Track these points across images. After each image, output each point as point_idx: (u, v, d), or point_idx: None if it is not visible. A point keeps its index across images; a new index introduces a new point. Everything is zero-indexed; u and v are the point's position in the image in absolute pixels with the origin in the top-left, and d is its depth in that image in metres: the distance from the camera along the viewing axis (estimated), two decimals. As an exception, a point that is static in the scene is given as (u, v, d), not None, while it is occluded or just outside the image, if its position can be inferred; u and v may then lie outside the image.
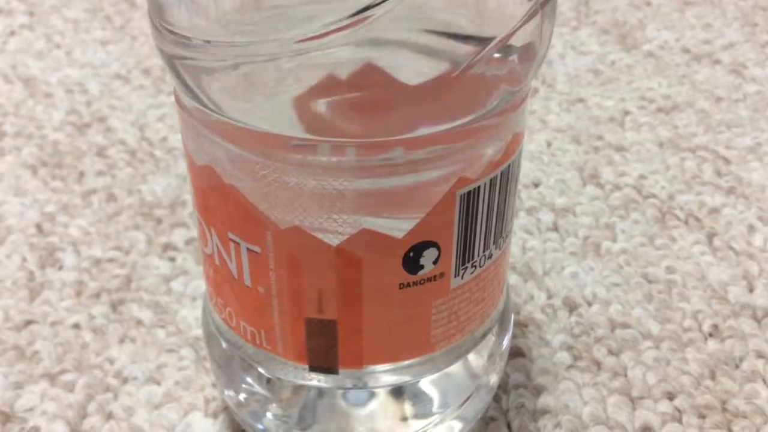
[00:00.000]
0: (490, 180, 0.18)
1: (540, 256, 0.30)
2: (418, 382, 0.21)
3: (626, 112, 0.39)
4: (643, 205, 0.33)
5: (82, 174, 0.34)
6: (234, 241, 0.18)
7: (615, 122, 0.38)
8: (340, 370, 0.20)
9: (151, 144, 0.36)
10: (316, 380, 0.20)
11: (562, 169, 0.35)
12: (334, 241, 0.17)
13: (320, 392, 0.21)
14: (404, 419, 0.21)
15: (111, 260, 0.30)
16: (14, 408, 0.25)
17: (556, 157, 0.36)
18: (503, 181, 0.19)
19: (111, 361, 0.26)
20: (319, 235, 0.17)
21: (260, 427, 0.22)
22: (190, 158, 0.19)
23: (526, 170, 0.35)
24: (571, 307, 0.28)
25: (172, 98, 0.38)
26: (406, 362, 0.20)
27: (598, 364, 0.26)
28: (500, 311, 0.22)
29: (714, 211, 0.33)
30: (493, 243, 0.19)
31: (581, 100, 0.40)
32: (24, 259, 0.30)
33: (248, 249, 0.18)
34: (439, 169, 0.17)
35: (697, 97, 0.40)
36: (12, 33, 0.45)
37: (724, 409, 0.25)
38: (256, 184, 0.17)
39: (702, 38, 0.45)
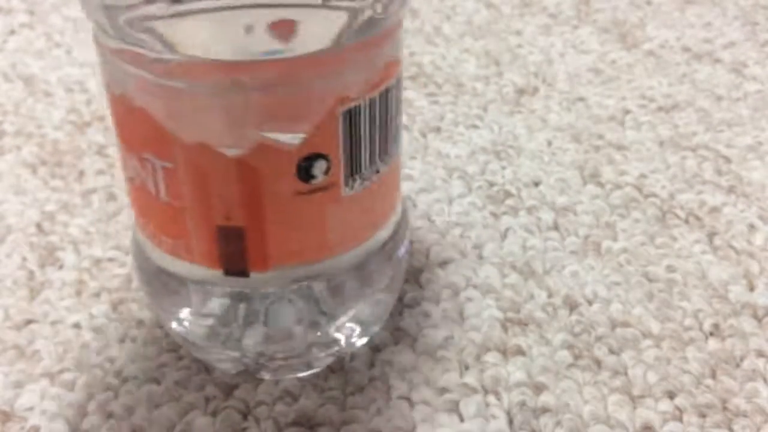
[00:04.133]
0: (369, 100, 0.21)
1: (540, 255, 0.30)
2: (316, 285, 0.23)
3: (626, 111, 0.39)
4: (643, 204, 0.33)
5: (82, 173, 0.34)
6: (149, 160, 0.21)
7: (615, 121, 0.38)
8: (251, 273, 0.22)
9: (151, 143, 0.36)
10: (230, 285, 0.22)
11: (563, 168, 0.35)
12: (234, 153, 0.20)
13: (236, 295, 0.23)
14: (308, 321, 0.24)
15: (111, 260, 0.30)
16: (14, 407, 0.25)
17: (557, 156, 0.36)
18: (382, 102, 0.21)
19: (111, 361, 0.26)
20: (222, 150, 0.20)
21: (183, 330, 0.24)
22: (109, 91, 0.21)
23: (527, 169, 0.35)
24: (572, 306, 0.28)
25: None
26: (309, 264, 0.22)
27: (598, 363, 0.26)
28: (396, 223, 0.25)
29: (714, 210, 0.33)
30: (379, 159, 0.22)
31: (581, 99, 0.40)
32: (24, 259, 0.30)
33: (162, 166, 0.20)
34: (318, 86, 0.19)
35: (697, 96, 0.40)
36: (12, 32, 0.45)
37: (725, 408, 0.25)
38: (163, 105, 0.19)
39: (702, 37, 0.45)
